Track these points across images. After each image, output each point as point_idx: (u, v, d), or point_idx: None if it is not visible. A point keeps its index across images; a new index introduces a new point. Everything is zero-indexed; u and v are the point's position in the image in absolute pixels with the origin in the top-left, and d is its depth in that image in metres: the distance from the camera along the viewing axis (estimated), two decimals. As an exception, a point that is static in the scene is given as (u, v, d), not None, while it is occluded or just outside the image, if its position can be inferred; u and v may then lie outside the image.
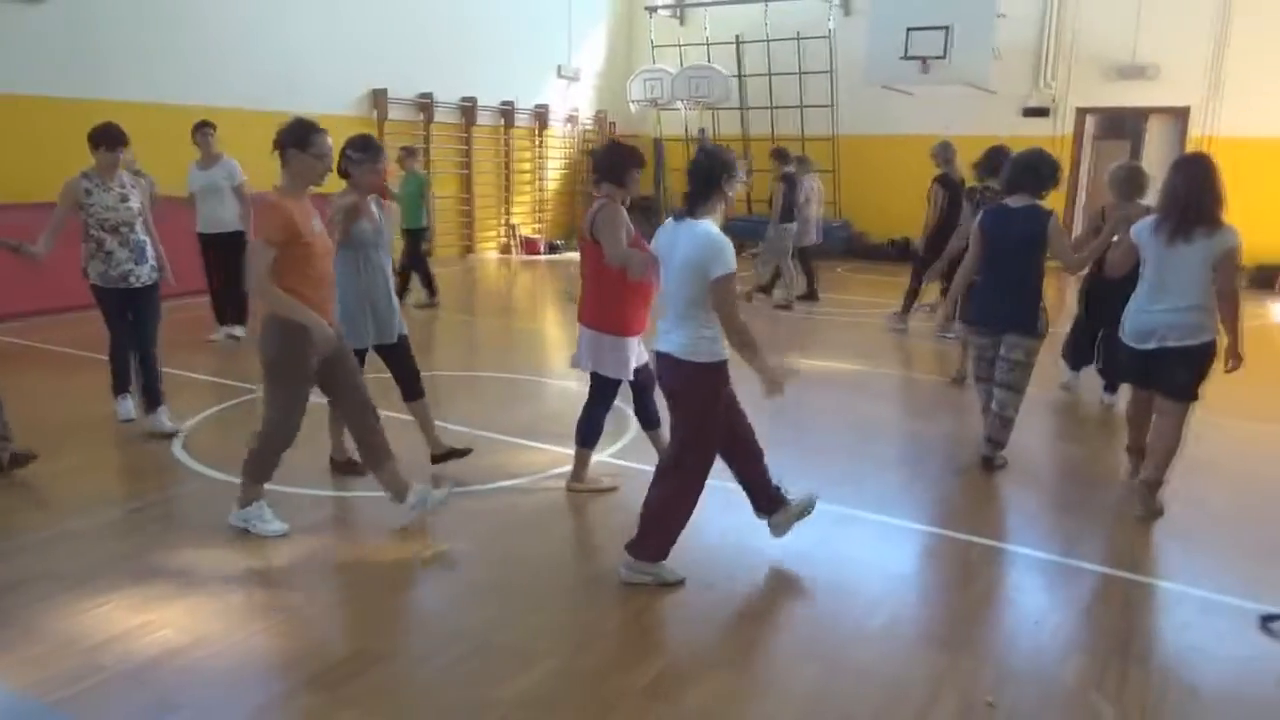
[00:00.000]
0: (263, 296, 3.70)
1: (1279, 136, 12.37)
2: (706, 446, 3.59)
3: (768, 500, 3.92)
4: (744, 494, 3.94)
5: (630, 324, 4.34)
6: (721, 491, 4.60)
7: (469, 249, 14.77)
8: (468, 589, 3.59)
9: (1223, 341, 4.32)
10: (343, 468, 4.73)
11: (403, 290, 9.83)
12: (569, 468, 4.85)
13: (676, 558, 3.66)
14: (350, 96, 12.44)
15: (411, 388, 4.75)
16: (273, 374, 3.81)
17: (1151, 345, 4.33)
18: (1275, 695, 3.02)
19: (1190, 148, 13.11)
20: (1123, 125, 14.92)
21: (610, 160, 4.36)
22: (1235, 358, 4.32)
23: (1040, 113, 14.24)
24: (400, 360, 4.71)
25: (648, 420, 4.67)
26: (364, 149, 4.34)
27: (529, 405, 6.43)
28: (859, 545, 4.12)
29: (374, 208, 4.51)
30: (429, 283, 9.89)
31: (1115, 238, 5.06)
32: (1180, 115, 13.40)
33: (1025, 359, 4.92)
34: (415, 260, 9.82)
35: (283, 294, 3.65)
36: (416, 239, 9.72)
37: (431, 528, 4.09)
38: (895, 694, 2.96)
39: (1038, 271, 4.97)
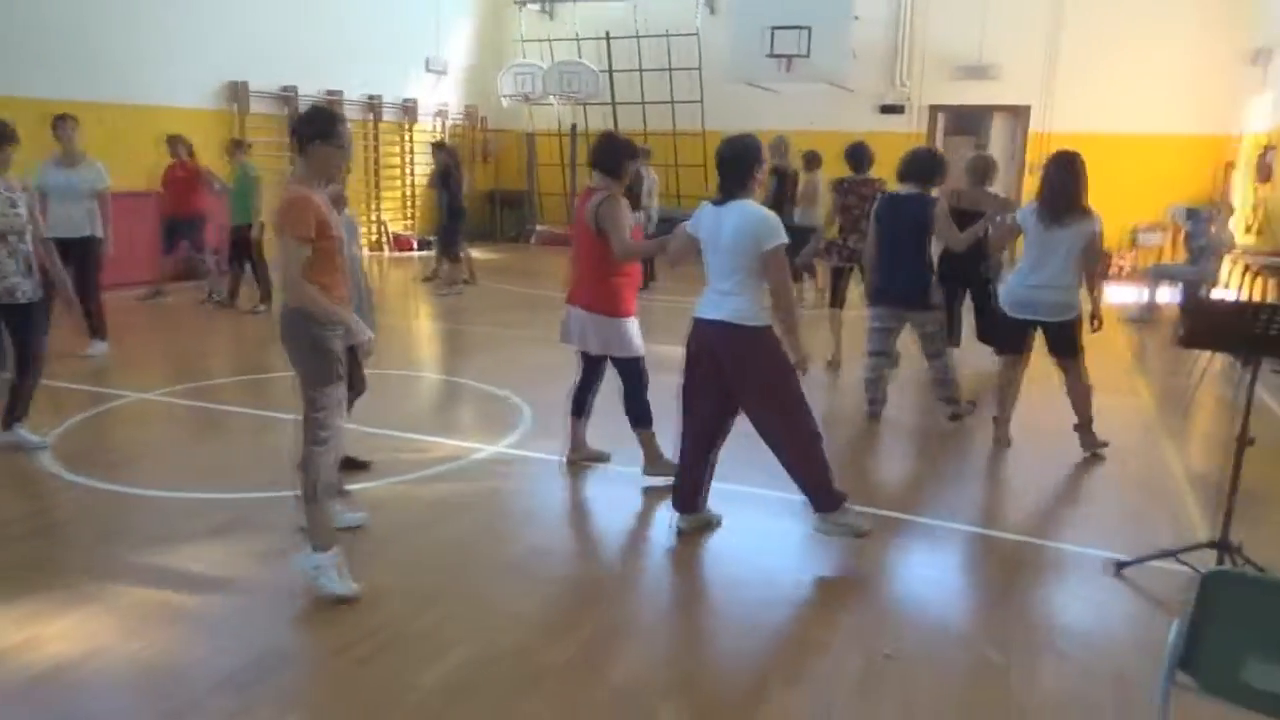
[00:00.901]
0: (299, 298, 3.35)
1: (1106, 132, 13.41)
2: (800, 399, 3.76)
3: (689, 499, 4.05)
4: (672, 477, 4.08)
5: (630, 305, 4.52)
6: (625, 476, 4.73)
7: (338, 247, 14.33)
8: (375, 586, 3.55)
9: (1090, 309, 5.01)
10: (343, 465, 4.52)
11: (234, 292, 9.52)
12: (462, 460, 4.87)
13: (585, 536, 3.74)
14: (207, 89, 11.88)
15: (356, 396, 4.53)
16: (315, 378, 3.42)
17: (1028, 316, 5.02)
18: (1127, 632, 3.35)
19: (1030, 143, 14.11)
20: (970, 121, 15.85)
21: (607, 152, 4.44)
22: (1097, 320, 5.03)
23: (896, 110, 14.97)
24: (357, 365, 4.51)
25: (640, 418, 4.62)
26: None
27: (420, 401, 6.37)
28: (763, 519, 4.28)
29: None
30: (236, 281, 9.50)
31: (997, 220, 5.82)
32: (1020, 113, 14.36)
33: (935, 329, 5.68)
34: (245, 258, 9.46)
35: (320, 294, 3.35)
36: (242, 234, 9.30)
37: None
38: (805, 651, 3.14)
39: (927, 251, 5.63)
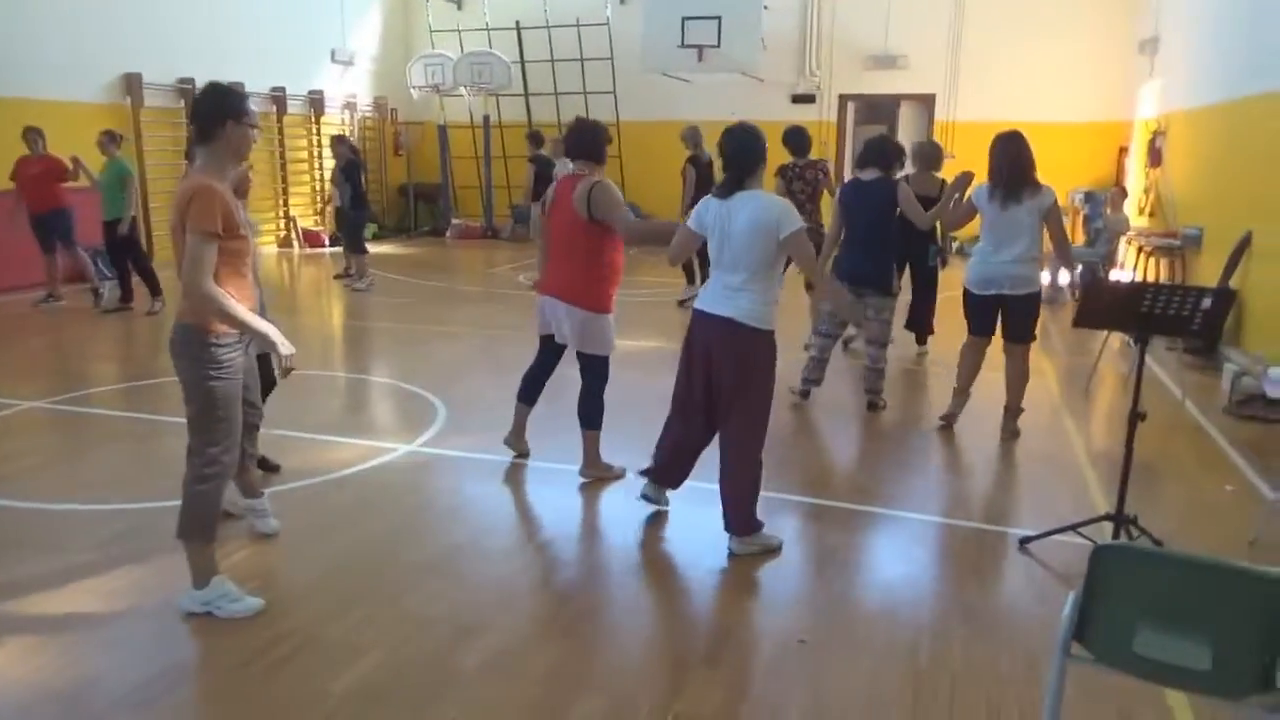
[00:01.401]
0: (209, 304, 2.98)
1: (1009, 120, 13.77)
2: (767, 413, 3.77)
3: (669, 474, 4.09)
4: (660, 456, 4.09)
5: (612, 300, 4.39)
6: (547, 473, 4.69)
7: (245, 244, 13.88)
8: (285, 591, 3.45)
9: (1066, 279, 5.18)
10: (261, 465, 4.35)
11: (126, 295, 9.13)
12: (376, 460, 4.77)
13: (502, 534, 3.68)
14: (98, 82, 11.37)
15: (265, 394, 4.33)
16: (209, 408, 3.12)
17: (992, 292, 5.12)
18: (1032, 606, 3.45)
19: (936, 131, 14.45)
20: (879, 110, 16.17)
21: (586, 138, 4.33)
22: (1075, 287, 5.14)
23: (807, 99, 15.17)
24: (267, 369, 4.29)
25: (590, 418, 4.49)
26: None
27: (330, 401, 6.20)
28: (688, 510, 4.25)
29: None
30: (125, 280, 9.13)
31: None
32: (927, 101, 14.71)
33: (889, 316, 5.82)
34: (116, 254, 9.13)
35: (230, 301, 3.02)
36: (115, 231, 8.93)
37: (223, 536, 3.88)
38: (722, 639, 3.16)
39: (892, 235, 5.77)
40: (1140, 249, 9.98)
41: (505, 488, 4.59)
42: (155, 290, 9.01)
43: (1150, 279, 10.00)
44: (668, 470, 4.10)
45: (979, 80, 14.17)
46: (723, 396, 3.76)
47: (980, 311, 5.27)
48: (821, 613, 3.36)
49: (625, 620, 3.30)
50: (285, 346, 3.18)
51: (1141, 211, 11.45)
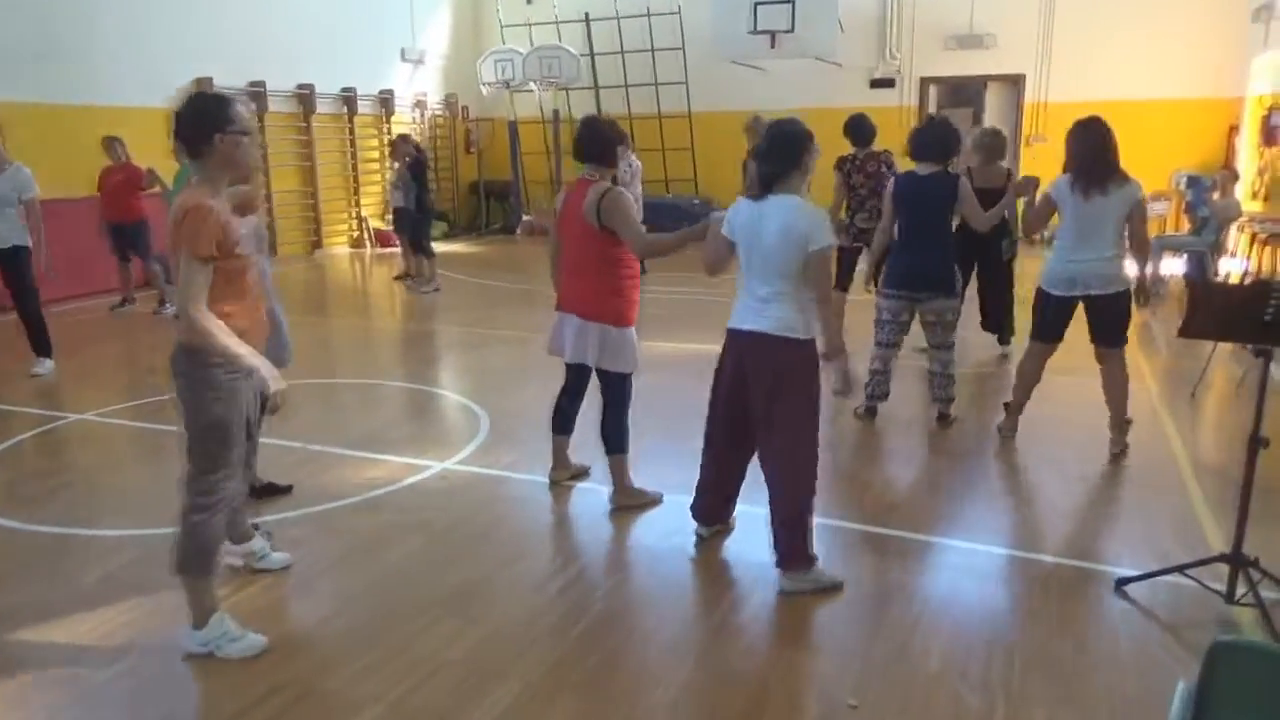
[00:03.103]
0: (197, 331, 2.80)
1: (1106, 99, 12.91)
2: (815, 438, 3.42)
3: (715, 511, 3.77)
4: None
5: (634, 313, 4.07)
6: (586, 497, 4.37)
7: (317, 244, 13.98)
8: (290, 633, 3.20)
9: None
10: (261, 493, 4.19)
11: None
12: (406, 480, 4.53)
13: (528, 569, 3.37)
14: (171, 87, 11.48)
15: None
16: (208, 434, 2.93)
17: (1077, 293, 4.64)
18: (1127, 668, 2.96)
19: (1025, 114, 13.63)
20: (964, 93, 15.37)
21: (595, 139, 3.98)
22: (1145, 295, 4.72)
23: (887, 84, 14.49)
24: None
25: (616, 441, 4.14)
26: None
27: (374, 412, 6.00)
28: (736, 540, 3.88)
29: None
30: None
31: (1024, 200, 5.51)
32: (1016, 82, 13.87)
33: (953, 319, 5.29)
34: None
35: (223, 330, 2.82)
36: None
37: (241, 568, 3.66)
38: (762, 699, 2.77)
39: (949, 232, 5.28)
40: (1254, 236, 9.14)
41: (538, 512, 4.27)
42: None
43: (1265, 269, 9.15)
44: (712, 510, 3.75)
45: (1072, 57, 13.27)
46: (761, 418, 3.38)
47: (1058, 315, 4.74)
48: (877, 669, 2.94)
49: (653, 672, 2.94)
50: (276, 382, 2.91)
51: (1255, 195, 10.53)
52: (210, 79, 11.81)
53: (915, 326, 5.39)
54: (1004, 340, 6.99)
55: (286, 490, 4.33)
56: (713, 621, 3.25)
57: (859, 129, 6.60)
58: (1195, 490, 4.36)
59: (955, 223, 5.40)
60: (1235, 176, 10.05)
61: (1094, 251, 4.56)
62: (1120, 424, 4.81)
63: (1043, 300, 4.78)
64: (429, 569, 3.65)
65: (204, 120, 2.86)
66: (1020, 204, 5.86)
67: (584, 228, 3.93)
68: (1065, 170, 4.65)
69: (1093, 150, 4.53)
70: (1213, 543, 3.71)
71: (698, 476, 3.77)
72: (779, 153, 3.32)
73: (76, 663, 3.03)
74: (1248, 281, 8.64)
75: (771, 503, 3.45)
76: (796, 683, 2.88)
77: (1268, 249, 9.05)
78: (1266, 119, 10.06)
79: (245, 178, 3.23)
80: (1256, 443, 3.09)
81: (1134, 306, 4.68)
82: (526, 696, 2.79)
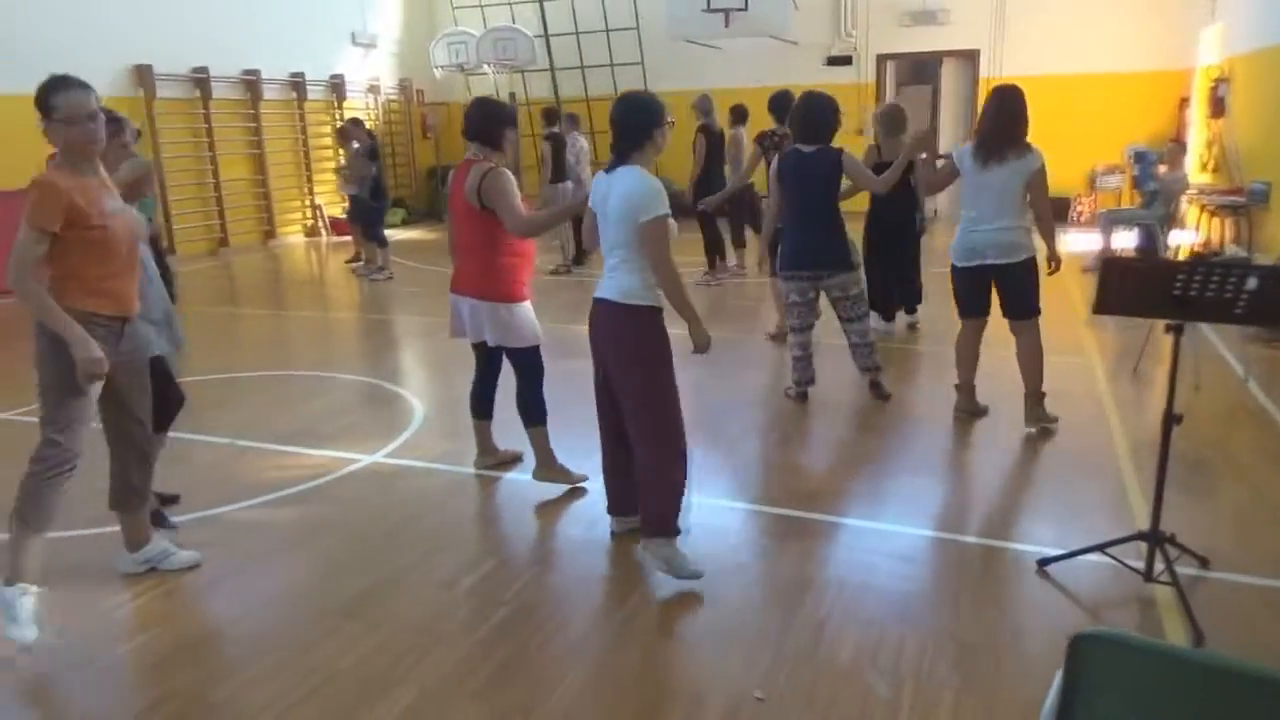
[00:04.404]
0: (25, 298, 2.93)
1: (1059, 73, 12.91)
2: (666, 403, 3.32)
3: (622, 500, 3.66)
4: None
5: (525, 288, 4.06)
6: (506, 484, 4.27)
7: (270, 234, 13.72)
8: (186, 640, 3.08)
9: (1045, 252, 4.63)
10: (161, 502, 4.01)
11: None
12: (331, 474, 4.42)
13: (441, 566, 3.28)
14: (108, 75, 11.19)
15: (168, 417, 3.86)
16: (50, 386, 3.04)
17: (976, 262, 4.59)
18: (1048, 657, 2.90)
19: (981, 88, 13.60)
20: (921, 70, 15.32)
21: (482, 120, 3.94)
22: (1055, 261, 4.64)
23: (843, 61, 14.41)
24: (174, 388, 3.90)
25: (532, 413, 4.18)
26: (110, 120, 3.54)
27: (310, 404, 5.85)
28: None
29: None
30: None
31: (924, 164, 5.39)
32: (971, 57, 13.83)
33: (857, 290, 5.27)
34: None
35: (46, 298, 2.93)
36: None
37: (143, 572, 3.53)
38: (664, 697, 2.70)
39: (838, 208, 5.20)
40: (1203, 208, 9.16)
41: (462, 505, 4.17)
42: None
43: (1215, 240, 9.18)
44: (617, 497, 3.67)
45: (1026, 32, 13.25)
46: (614, 385, 3.38)
47: (969, 288, 4.71)
48: (787, 659, 2.87)
49: (552, 673, 2.84)
50: (82, 349, 2.94)
51: (1204, 167, 10.56)
52: (150, 66, 11.52)
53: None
54: (910, 309, 7.08)
55: (174, 500, 4.10)
56: (622, 615, 3.17)
57: (781, 104, 6.72)
58: (1129, 468, 4.33)
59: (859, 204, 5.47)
60: (1183, 149, 10.07)
61: (992, 222, 4.51)
62: (1035, 395, 4.75)
63: (954, 275, 4.74)
64: (339, 569, 3.54)
65: (36, 104, 3.03)
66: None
67: (467, 208, 3.91)
68: (973, 136, 4.66)
69: (997, 120, 4.49)
70: (1141, 522, 3.68)
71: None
72: (628, 127, 3.27)
73: (-41, 677, 2.91)
74: (1197, 252, 8.66)
75: (639, 470, 3.41)
76: (702, 676, 2.80)
77: (1216, 220, 9.07)
78: (1214, 90, 10.06)
79: (89, 158, 3.12)
80: (1170, 419, 3.04)
81: (1044, 276, 4.63)
82: (421, 704, 2.69)
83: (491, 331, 4.04)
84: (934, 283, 6.90)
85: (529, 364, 4.13)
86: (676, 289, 3.26)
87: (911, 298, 7.05)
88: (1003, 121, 4.48)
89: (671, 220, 3.24)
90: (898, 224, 6.65)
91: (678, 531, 3.36)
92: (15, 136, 9.79)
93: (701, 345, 3.36)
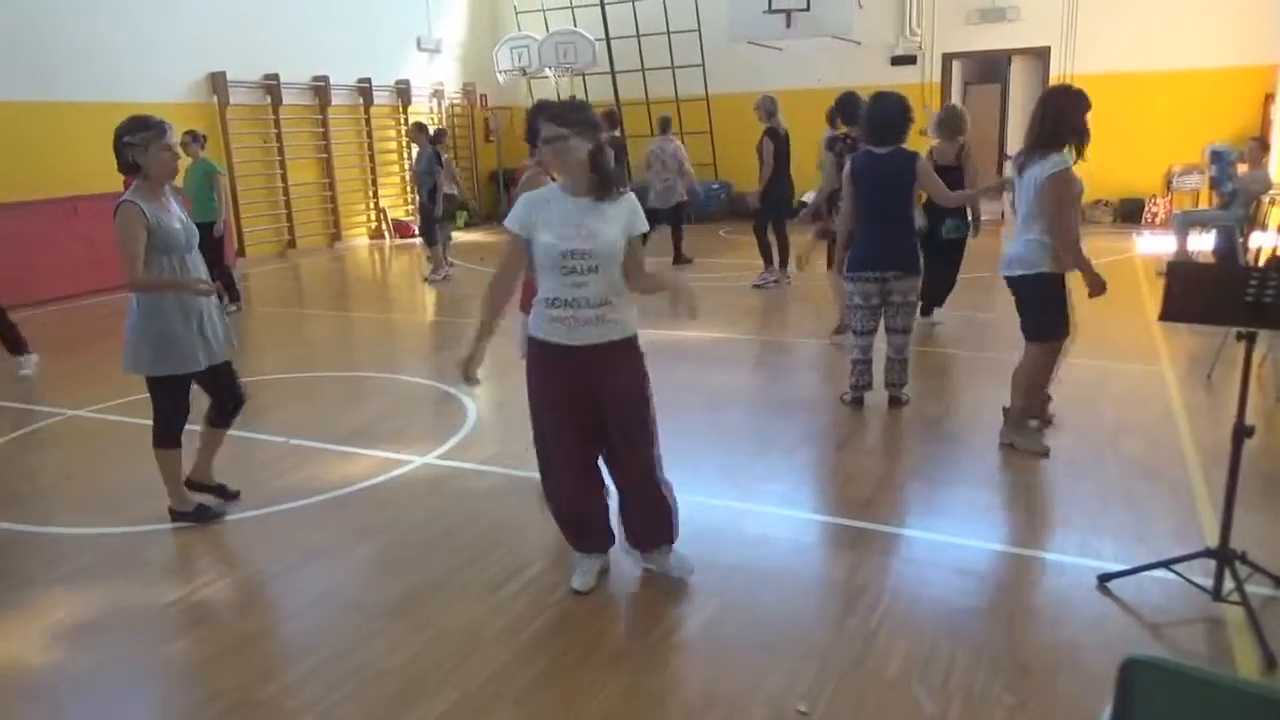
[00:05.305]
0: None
1: (1135, 70, 12.50)
2: (538, 415, 3.29)
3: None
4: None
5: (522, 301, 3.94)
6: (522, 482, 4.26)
7: (336, 237, 14.01)
8: (235, 639, 3.13)
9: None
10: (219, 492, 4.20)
11: (221, 294, 9.10)
12: (387, 475, 4.49)
13: (484, 569, 3.28)
14: (184, 82, 11.55)
15: (229, 416, 4.11)
16: None
17: (1004, 274, 4.37)
18: (1097, 671, 2.78)
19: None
20: (990, 68, 14.98)
21: (532, 124, 3.76)
22: (1091, 285, 4.15)
23: (908, 60, 14.15)
24: (229, 384, 4.07)
25: None
26: (144, 127, 3.65)
27: (366, 404, 5.94)
28: (691, 544, 3.75)
29: (174, 202, 3.84)
30: (230, 285, 8.98)
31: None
32: (1041, 55, 13.45)
33: (914, 299, 5.19)
34: (211, 255, 9.05)
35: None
36: (206, 235, 8.87)
37: (198, 569, 3.62)
38: (704, 706, 2.65)
39: (911, 211, 5.14)
40: (1286, 210, 8.75)
41: (510, 508, 4.15)
42: (234, 296, 8.99)
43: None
44: (603, 530, 3.47)
45: (1099, 28, 12.84)
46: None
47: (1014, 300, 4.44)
48: (833, 673, 2.80)
49: (593, 681, 2.81)
50: None
51: (1289, 166, 10.09)
52: (223, 73, 11.85)
53: None
54: (926, 310, 6.98)
55: (235, 495, 4.23)
56: (665, 625, 3.13)
57: (850, 107, 6.58)
58: (1199, 480, 4.14)
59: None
60: (1265, 147, 9.62)
61: (1019, 233, 4.29)
62: (1013, 413, 4.55)
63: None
64: (386, 570, 3.57)
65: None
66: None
67: None
68: None
69: (1038, 122, 4.17)
70: (1211, 538, 3.50)
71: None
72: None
73: (22, 672, 3.00)
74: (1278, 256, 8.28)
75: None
76: (744, 689, 2.75)
77: (1300, 222, 8.66)
78: (1301, 86, 9.62)
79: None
80: (1241, 431, 2.90)
81: (1083, 300, 4.29)
82: (461, 707, 2.69)
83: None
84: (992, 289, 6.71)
85: None
86: (655, 279, 3.25)
87: (934, 299, 7.01)
88: (1042, 123, 4.15)
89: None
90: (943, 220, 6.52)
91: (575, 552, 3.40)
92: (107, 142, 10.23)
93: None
